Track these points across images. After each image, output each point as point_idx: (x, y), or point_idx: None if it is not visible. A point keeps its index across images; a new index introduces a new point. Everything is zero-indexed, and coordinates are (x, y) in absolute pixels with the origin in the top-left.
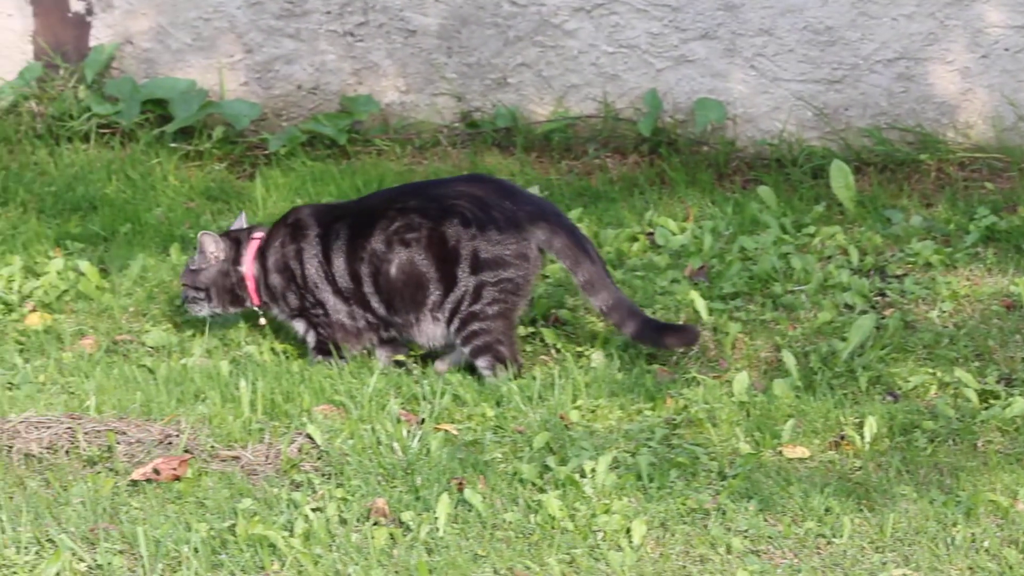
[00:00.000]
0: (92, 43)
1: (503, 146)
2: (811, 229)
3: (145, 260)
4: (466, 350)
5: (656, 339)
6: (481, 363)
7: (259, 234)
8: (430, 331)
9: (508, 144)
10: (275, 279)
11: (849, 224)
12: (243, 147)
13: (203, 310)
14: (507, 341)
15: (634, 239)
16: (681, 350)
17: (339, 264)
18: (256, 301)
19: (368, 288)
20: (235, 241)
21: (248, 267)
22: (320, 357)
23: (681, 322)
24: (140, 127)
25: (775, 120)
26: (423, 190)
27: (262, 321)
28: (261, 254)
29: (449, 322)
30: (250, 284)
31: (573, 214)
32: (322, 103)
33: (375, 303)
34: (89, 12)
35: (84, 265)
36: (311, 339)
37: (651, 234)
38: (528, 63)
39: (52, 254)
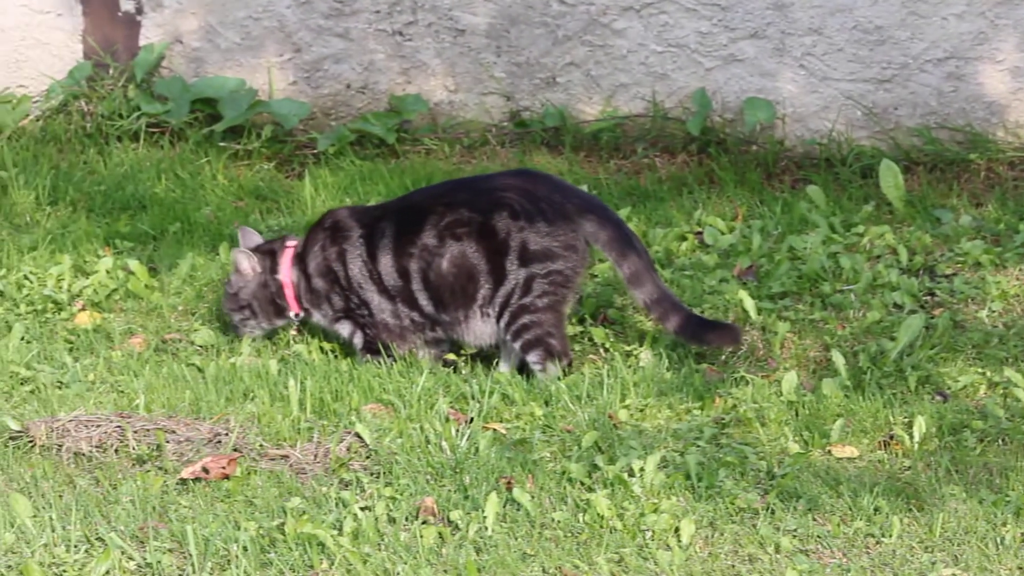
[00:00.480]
0: (142, 42)
1: (552, 145)
2: (860, 228)
3: (194, 259)
4: (516, 345)
5: (698, 335)
6: (532, 358)
7: (292, 242)
8: (479, 329)
9: (557, 143)
10: (319, 283)
11: (898, 224)
12: (292, 146)
13: (254, 329)
14: (558, 334)
15: (683, 238)
16: (723, 348)
17: (386, 262)
18: (295, 308)
19: (416, 285)
20: (268, 252)
21: (285, 275)
22: (369, 356)
23: (727, 321)
24: (189, 126)
25: (824, 119)
26: (470, 184)
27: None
28: (300, 260)
29: (499, 317)
30: (288, 292)
31: (622, 213)
32: (371, 102)
33: (423, 300)
34: (139, 11)
35: (133, 264)
36: (358, 339)
37: (700, 233)
38: (577, 62)
39: (101, 253)
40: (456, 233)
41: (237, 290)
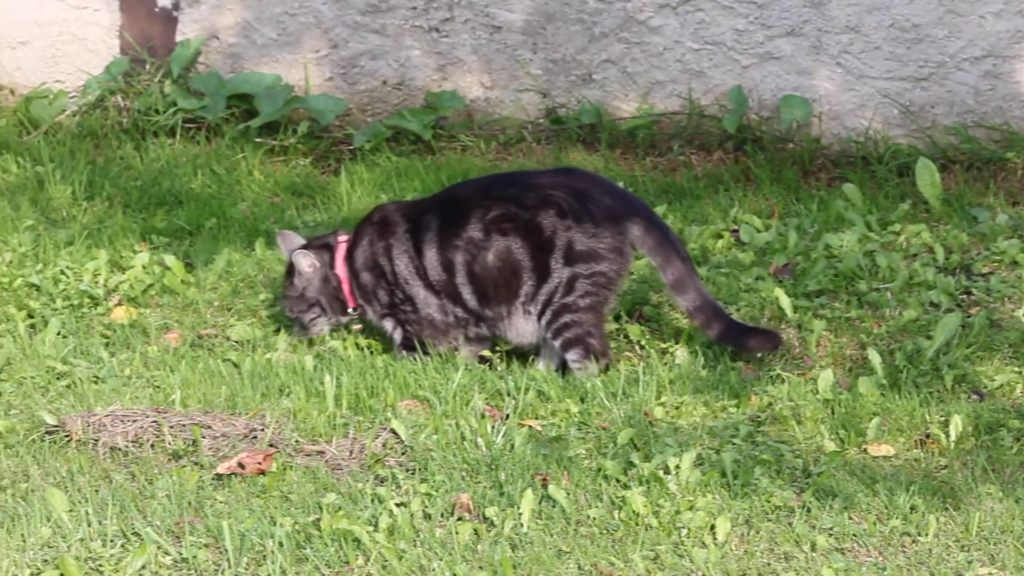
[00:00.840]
0: (178, 38)
1: (587, 142)
2: (896, 227)
3: (230, 254)
4: (557, 343)
5: (740, 341)
6: (571, 356)
7: (343, 237)
8: (521, 326)
9: (593, 140)
10: (366, 277)
11: (935, 222)
12: (328, 142)
13: (324, 326)
14: (597, 334)
15: (719, 236)
16: (763, 354)
17: (431, 255)
18: (352, 303)
19: (461, 279)
20: (324, 246)
21: (340, 269)
22: (405, 353)
23: (765, 325)
24: (225, 122)
25: (861, 118)
26: (517, 180)
27: (358, 325)
28: (350, 255)
29: (541, 315)
30: (345, 287)
31: (658, 211)
32: (407, 99)
33: (467, 295)
34: (176, 7)
35: (169, 259)
36: (397, 336)
37: (736, 231)
38: (613, 59)
39: (138, 248)
40: (503, 228)
41: (302, 290)
